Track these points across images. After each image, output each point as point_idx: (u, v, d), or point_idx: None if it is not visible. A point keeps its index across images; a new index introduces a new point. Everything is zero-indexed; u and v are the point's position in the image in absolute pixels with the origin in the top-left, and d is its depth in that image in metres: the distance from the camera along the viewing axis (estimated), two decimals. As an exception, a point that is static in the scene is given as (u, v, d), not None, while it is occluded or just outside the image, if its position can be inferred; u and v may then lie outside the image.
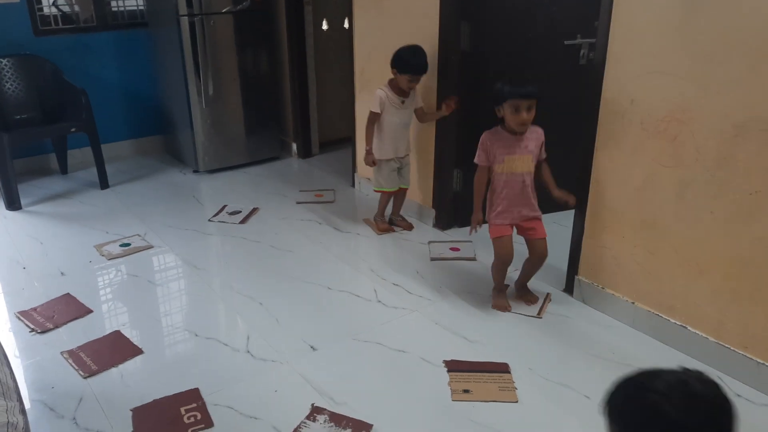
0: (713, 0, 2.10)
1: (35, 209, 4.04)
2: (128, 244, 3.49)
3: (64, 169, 4.69)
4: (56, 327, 2.71)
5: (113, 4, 4.82)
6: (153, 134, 5.20)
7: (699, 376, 1.04)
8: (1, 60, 4.32)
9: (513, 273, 2.94)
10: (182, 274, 3.24)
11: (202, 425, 2.12)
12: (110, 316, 2.85)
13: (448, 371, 2.39)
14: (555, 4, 3.29)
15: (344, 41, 4.13)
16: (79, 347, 2.56)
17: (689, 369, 1.05)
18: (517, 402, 2.23)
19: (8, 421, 1.49)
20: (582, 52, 3.37)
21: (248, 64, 4.63)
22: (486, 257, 3.06)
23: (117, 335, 2.65)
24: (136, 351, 2.55)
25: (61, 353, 2.52)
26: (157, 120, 5.11)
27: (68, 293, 2.97)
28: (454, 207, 3.60)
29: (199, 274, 3.21)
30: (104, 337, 2.64)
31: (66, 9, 4.67)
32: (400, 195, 3.60)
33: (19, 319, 2.77)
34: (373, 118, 3.33)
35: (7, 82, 4.34)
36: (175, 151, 5.00)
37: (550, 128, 2.69)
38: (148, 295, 3.02)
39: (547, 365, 2.43)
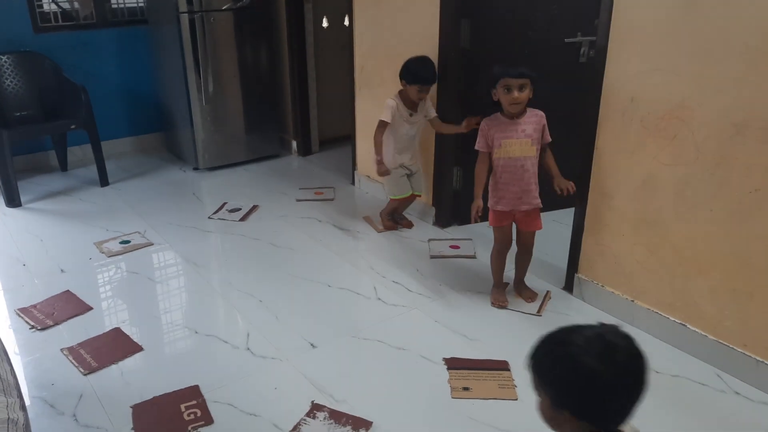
0: (713, -2, 2.11)
1: (35, 206, 4.04)
2: (128, 242, 3.49)
3: (64, 166, 4.70)
4: (56, 324, 2.71)
5: (113, 1, 4.83)
6: (153, 131, 5.20)
7: (614, 330, 1.11)
8: (1, 57, 4.32)
9: (511, 272, 2.94)
10: (182, 272, 3.24)
11: (202, 422, 2.12)
12: (110, 313, 2.85)
13: (448, 369, 2.39)
14: (555, 2, 3.29)
15: (344, 39, 4.13)
16: (79, 344, 2.56)
17: (606, 324, 1.12)
18: (516, 400, 2.23)
19: (8, 418, 1.49)
20: (582, 50, 3.37)
21: (248, 62, 4.63)
22: (486, 255, 3.06)
23: (117, 332, 2.65)
24: (136, 348, 2.55)
25: (61, 350, 2.53)
26: (157, 117, 5.11)
27: (68, 290, 2.97)
28: (454, 205, 3.60)
29: (199, 271, 3.21)
30: (104, 334, 2.64)
31: (66, 6, 4.67)
32: (408, 199, 3.57)
33: (19, 316, 2.77)
34: (383, 128, 3.30)
35: (6, 79, 4.33)
36: (175, 149, 5.00)
37: (549, 127, 2.68)
38: (148, 292, 3.03)
39: (546, 363, 2.43)
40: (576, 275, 2.86)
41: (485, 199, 2.73)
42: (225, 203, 4.04)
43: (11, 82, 4.35)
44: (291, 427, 2.09)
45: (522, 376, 2.34)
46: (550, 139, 2.65)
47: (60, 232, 3.67)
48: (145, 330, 2.70)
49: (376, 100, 3.93)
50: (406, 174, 3.46)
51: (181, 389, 2.28)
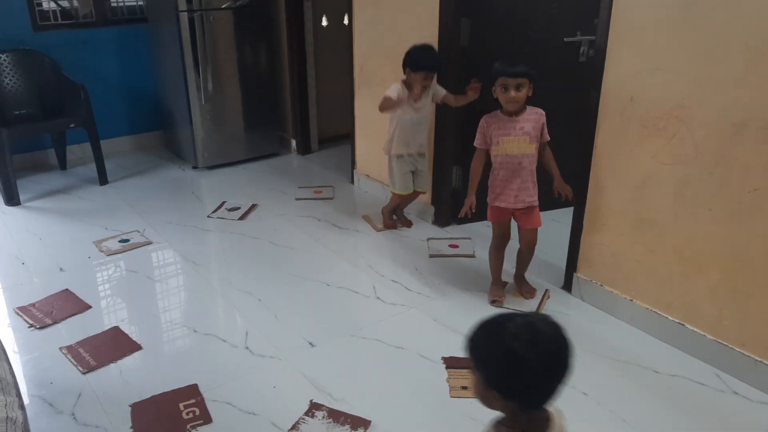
0: (713, -2, 2.10)
1: (34, 205, 4.04)
2: (127, 240, 3.49)
3: (63, 165, 4.69)
4: (55, 323, 2.71)
5: (112, -1, 4.82)
6: (152, 130, 5.20)
7: (544, 319, 1.19)
8: (0, 55, 4.31)
9: (510, 269, 2.94)
10: (181, 270, 3.24)
11: (201, 421, 2.12)
12: (109, 311, 2.85)
13: (447, 368, 2.39)
14: (555, 2, 3.29)
15: (344, 37, 4.12)
16: (78, 343, 2.56)
17: (537, 313, 1.17)
18: (515, 399, 2.23)
19: (7, 417, 1.49)
20: (582, 49, 3.38)
21: (247, 60, 4.62)
22: (485, 254, 3.06)
23: (116, 331, 2.65)
24: (134, 347, 2.55)
25: (60, 349, 2.53)
26: (156, 116, 5.11)
27: (67, 289, 2.97)
28: (453, 204, 3.60)
29: (198, 270, 3.21)
30: (103, 332, 2.64)
31: (65, 4, 4.67)
32: (411, 196, 3.54)
33: (18, 314, 2.77)
34: (390, 101, 3.19)
35: (6, 77, 4.33)
36: (175, 147, 5.00)
37: (549, 126, 2.68)
38: (146, 291, 3.03)
39: (545, 362, 2.43)
40: (575, 274, 2.86)
41: (485, 195, 2.74)
42: (224, 202, 4.04)
43: (10, 80, 4.35)
44: (290, 426, 2.09)
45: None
46: (548, 138, 2.65)
47: (59, 230, 3.66)
48: (144, 329, 2.70)
49: (375, 99, 3.91)
50: (410, 171, 3.42)
51: (180, 388, 2.28)
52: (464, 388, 2.28)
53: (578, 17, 3.30)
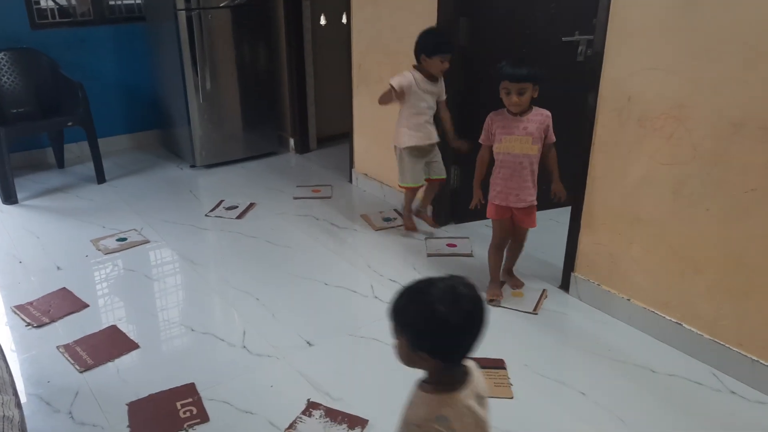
0: (711, -3, 2.11)
1: (32, 203, 4.03)
2: (125, 239, 3.49)
3: (60, 164, 4.68)
4: (52, 321, 2.71)
5: (110, -3, 4.82)
6: (150, 129, 5.19)
7: (463, 281, 1.28)
8: (-2, 53, 4.31)
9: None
10: (179, 269, 3.24)
11: (198, 420, 2.12)
12: (106, 310, 2.85)
13: (444, 367, 2.39)
14: (554, 1, 3.28)
15: (342, 36, 4.12)
16: (75, 341, 2.56)
17: (455, 276, 1.28)
18: (512, 398, 2.23)
19: (4, 415, 1.49)
20: (580, 48, 3.37)
21: (246, 59, 4.62)
22: (482, 254, 3.06)
23: (113, 330, 2.65)
24: (132, 345, 2.55)
25: (57, 347, 2.52)
26: (154, 115, 5.10)
27: (64, 287, 2.97)
28: (452, 204, 3.60)
29: (196, 269, 3.21)
30: (100, 331, 2.64)
31: (63, 2, 4.66)
32: (431, 187, 3.42)
33: (15, 313, 2.77)
34: (390, 94, 3.11)
35: (3, 75, 4.32)
36: (173, 146, 4.99)
37: (547, 125, 2.69)
38: (144, 289, 3.02)
39: (542, 361, 2.43)
40: (572, 274, 2.86)
41: (485, 193, 2.77)
42: (222, 201, 4.03)
43: (8, 78, 4.34)
44: (287, 425, 2.09)
45: (518, 375, 2.35)
46: (554, 140, 2.65)
47: (56, 229, 3.66)
48: (142, 327, 2.70)
49: (374, 97, 3.90)
50: (424, 161, 3.29)
51: (177, 387, 2.28)
52: (462, 387, 2.28)
53: (576, 17, 3.30)
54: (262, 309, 2.82)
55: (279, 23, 4.75)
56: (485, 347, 2.49)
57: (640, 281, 2.58)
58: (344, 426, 2.08)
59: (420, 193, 3.51)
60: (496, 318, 2.74)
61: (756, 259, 2.17)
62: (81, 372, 2.38)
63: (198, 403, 2.20)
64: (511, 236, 2.84)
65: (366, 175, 4.20)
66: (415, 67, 3.14)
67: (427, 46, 3.04)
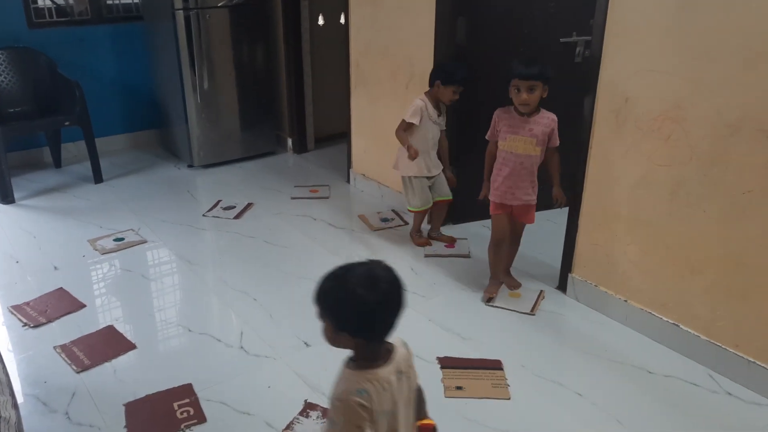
0: (708, -1, 2.11)
1: (29, 203, 4.03)
2: (122, 239, 3.48)
3: (57, 163, 4.68)
4: (49, 321, 2.70)
5: (108, -3, 4.81)
6: (148, 128, 5.18)
7: (380, 264, 1.38)
8: (-5, 52, 4.30)
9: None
10: (176, 269, 3.24)
11: (195, 421, 2.12)
12: (103, 310, 2.84)
13: (441, 368, 2.39)
14: (552, 1, 3.29)
15: (340, 36, 4.12)
16: (72, 342, 2.55)
17: (374, 260, 1.38)
18: (509, 399, 2.23)
19: (0, 416, 1.48)
20: (577, 49, 3.38)
21: (244, 59, 4.62)
22: (480, 255, 3.07)
23: (110, 330, 2.65)
24: (129, 346, 2.55)
25: (54, 348, 2.52)
26: (151, 114, 5.09)
27: (61, 288, 2.96)
28: (450, 204, 3.59)
29: (193, 269, 3.20)
30: (97, 331, 2.63)
31: (60, 1, 4.65)
32: (438, 209, 3.37)
33: (12, 313, 2.76)
34: (405, 127, 3.11)
35: (1, 75, 4.31)
36: (170, 146, 4.98)
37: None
38: (141, 290, 3.02)
39: (539, 362, 2.44)
40: (570, 275, 2.86)
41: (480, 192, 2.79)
42: (219, 201, 4.03)
43: (5, 78, 4.33)
44: (284, 426, 2.09)
45: (515, 376, 2.35)
46: (557, 144, 2.65)
47: (53, 229, 3.65)
48: (139, 328, 2.69)
49: (371, 97, 3.93)
50: (428, 185, 3.27)
51: (174, 387, 2.28)
52: (459, 388, 2.28)
53: (574, 18, 3.30)
54: (259, 309, 2.81)
55: (277, 23, 4.75)
56: (483, 349, 2.52)
57: (638, 282, 2.58)
58: (341, 427, 2.08)
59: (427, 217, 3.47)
60: (493, 319, 2.75)
61: (753, 261, 2.17)
62: (78, 372, 2.37)
63: (195, 403, 2.20)
64: (508, 235, 2.84)
65: (364, 175, 4.20)
66: (426, 93, 3.12)
67: (446, 73, 3.03)
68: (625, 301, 2.64)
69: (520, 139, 2.61)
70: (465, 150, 3.38)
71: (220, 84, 4.55)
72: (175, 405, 2.19)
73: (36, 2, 4.52)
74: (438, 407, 2.21)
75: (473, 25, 3.24)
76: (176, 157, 4.89)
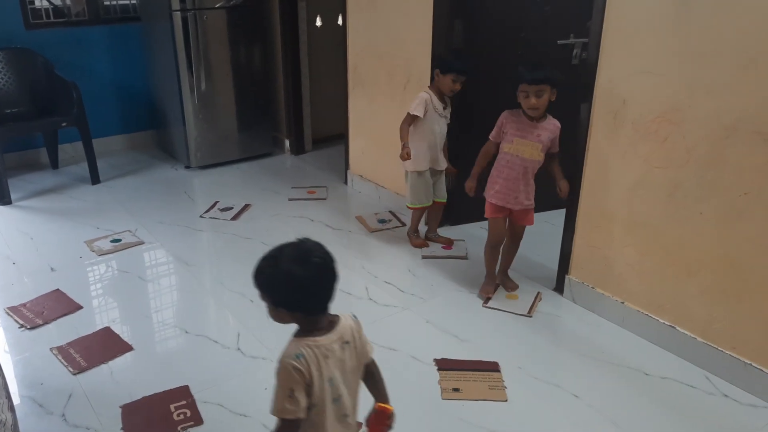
0: (705, 1, 2.11)
1: (25, 204, 4.02)
2: (119, 240, 3.48)
3: (54, 164, 4.67)
4: (46, 323, 2.70)
5: (105, -3, 4.80)
6: (145, 129, 5.18)
7: (311, 241, 1.43)
8: (-8, 53, 4.29)
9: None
10: (173, 271, 3.23)
11: (192, 422, 2.12)
12: (100, 312, 2.84)
13: (438, 370, 2.39)
14: (548, 4, 3.29)
15: (338, 38, 4.12)
16: (69, 343, 2.55)
17: (305, 238, 1.44)
18: (506, 401, 2.23)
19: (-4, 419, 1.48)
20: (575, 51, 3.38)
21: (241, 60, 4.62)
22: (478, 256, 3.07)
23: (107, 332, 2.64)
24: (125, 348, 2.54)
25: (51, 349, 2.51)
26: (149, 115, 5.09)
27: (58, 289, 2.96)
28: (447, 206, 3.59)
29: (190, 270, 3.20)
30: (94, 333, 2.63)
31: (57, 2, 4.64)
32: (435, 210, 3.38)
33: (9, 314, 2.75)
34: (410, 121, 3.06)
35: (-3, 75, 4.31)
36: (167, 147, 4.98)
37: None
38: (138, 291, 3.01)
39: (536, 364, 2.44)
40: (566, 277, 2.86)
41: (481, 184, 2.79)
42: (217, 202, 4.02)
43: (2, 79, 4.32)
44: (281, 428, 2.09)
45: (512, 378, 2.35)
46: (557, 150, 2.66)
47: (50, 230, 3.65)
48: (135, 329, 2.69)
49: (369, 99, 3.93)
50: (432, 182, 3.24)
51: (171, 389, 2.27)
52: (456, 390, 2.28)
53: (571, 19, 3.31)
54: (256, 311, 2.81)
55: (274, 24, 4.75)
56: (480, 350, 2.52)
57: (634, 284, 2.58)
58: (338, 429, 2.08)
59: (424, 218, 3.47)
60: (490, 320, 2.75)
61: (749, 263, 2.18)
62: (74, 374, 2.37)
63: (192, 405, 2.20)
64: (507, 235, 2.85)
65: (361, 176, 4.20)
66: (429, 86, 3.12)
67: (444, 62, 3.03)
68: (622, 302, 2.64)
69: (527, 144, 2.61)
70: (462, 152, 3.38)
71: (217, 85, 4.54)
72: (172, 407, 2.19)
73: (33, 3, 4.51)
74: (435, 409, 2.21)
75: (470, 27, 3.24)
76: (173, 158, 4.88)
